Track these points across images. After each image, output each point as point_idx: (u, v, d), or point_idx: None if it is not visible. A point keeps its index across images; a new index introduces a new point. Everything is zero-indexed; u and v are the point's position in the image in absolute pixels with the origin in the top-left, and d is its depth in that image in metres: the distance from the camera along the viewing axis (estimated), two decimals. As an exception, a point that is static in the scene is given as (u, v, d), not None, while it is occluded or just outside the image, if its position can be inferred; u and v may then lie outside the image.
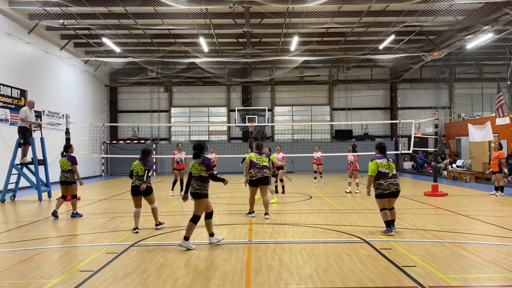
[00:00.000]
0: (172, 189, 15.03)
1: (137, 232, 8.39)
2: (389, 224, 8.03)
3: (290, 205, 12.30)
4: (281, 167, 14.98)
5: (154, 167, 27.23)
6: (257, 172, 9.91)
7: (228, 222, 9.51)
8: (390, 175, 8.01)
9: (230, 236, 8.03)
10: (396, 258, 6.27)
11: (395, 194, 8.02)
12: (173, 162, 15.01)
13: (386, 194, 7.97)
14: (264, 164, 10.05)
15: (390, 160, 8.14)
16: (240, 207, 11.73)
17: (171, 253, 6.76)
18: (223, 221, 9.76)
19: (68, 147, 10.84)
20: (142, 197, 8.69)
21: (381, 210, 8.09)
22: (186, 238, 6.94)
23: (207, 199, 7.15)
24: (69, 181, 10.46)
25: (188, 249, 6.89)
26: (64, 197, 10.62)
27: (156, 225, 8.92)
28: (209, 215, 7.25)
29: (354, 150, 15.06)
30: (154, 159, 27.20)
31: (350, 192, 15.25)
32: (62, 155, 10.67)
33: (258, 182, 9.95)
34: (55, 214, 10.29)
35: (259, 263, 6.12)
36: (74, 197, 10.58)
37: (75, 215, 10.49)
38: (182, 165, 14.89)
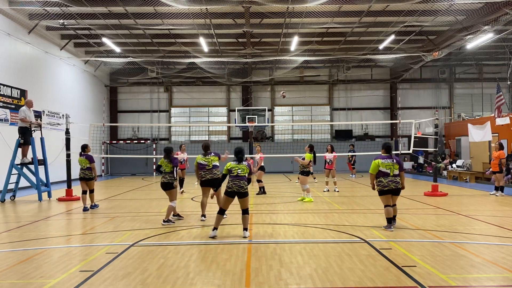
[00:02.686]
0: (181, 187, 15.80)
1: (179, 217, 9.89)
2: (390, 221, 8.34)
3: (290, 205, 12.30)
4: (261, 168, 15.22)
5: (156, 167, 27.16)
6: (207, 173, 9.52)
7: (228, 222, 9.50)
8: (391, 175, 8.29)
9: (230, 236, 8.03)
10: (396, 258, 6.27)
11: (394, 191, 8.35)
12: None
13: (386, 191, 8.34)
14: (215, 164, 9.62)
15: (394, 161, 8.35)
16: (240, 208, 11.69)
17: (171, 253, 6.77)
18: (223, 221, 9.74)
19: (85, 147, 11.90)
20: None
21: (384, 206, 8.42)
22: (246, 229, 7.92)
23: None
24: (88, 178, 11.56)
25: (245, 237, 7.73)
26: (85, 192, 11.65)
27: (164, 221, 9.23)
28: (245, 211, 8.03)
29: (332, 150, 16.27)
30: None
31: (328, 191, 15.73)
32: (80, 155, 11.74)
33: (207, 183, 9.68)
34: (86, 209, 11.40)
35: (259, 263, 6.12)
36: (92, 191, 11.74)
37: (93, 206, 11.76)
38: (184, 165, 15.43)
